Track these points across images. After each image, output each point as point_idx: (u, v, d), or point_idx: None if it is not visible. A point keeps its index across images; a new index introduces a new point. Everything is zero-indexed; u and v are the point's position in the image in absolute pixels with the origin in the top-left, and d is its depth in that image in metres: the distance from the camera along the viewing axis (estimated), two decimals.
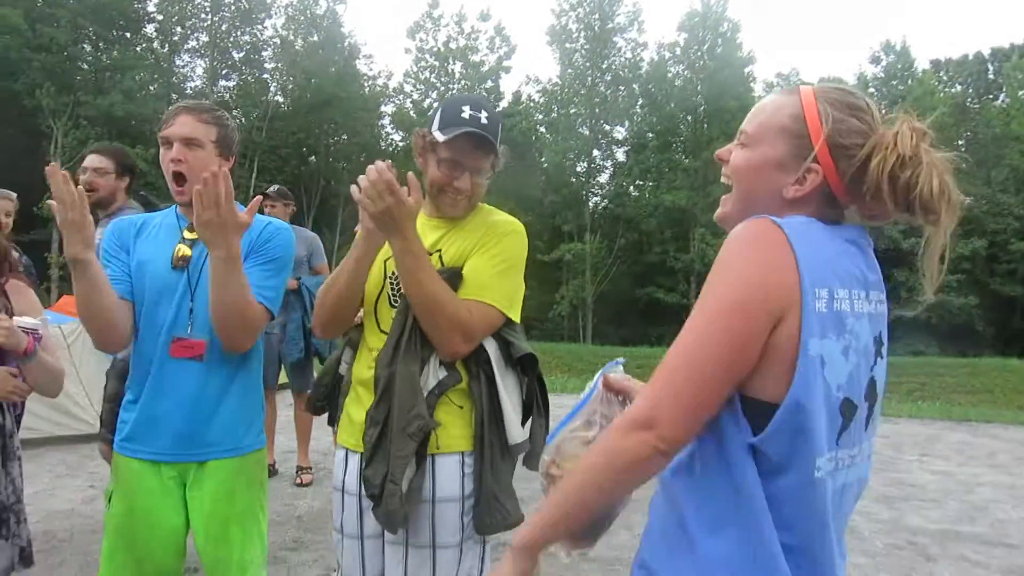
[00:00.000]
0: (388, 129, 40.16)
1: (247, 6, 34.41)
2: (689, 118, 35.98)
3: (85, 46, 31.50)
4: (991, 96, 38.87)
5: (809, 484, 1.11)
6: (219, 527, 2.13)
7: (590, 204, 36.61)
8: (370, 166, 1.78)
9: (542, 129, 37.08)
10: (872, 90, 36.57)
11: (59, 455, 5.83)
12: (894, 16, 76.56)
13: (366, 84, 38.22)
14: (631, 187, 36.78)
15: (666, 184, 34.42)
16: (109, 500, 2.19)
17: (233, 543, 2.15)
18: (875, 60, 38.23)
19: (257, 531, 2.21)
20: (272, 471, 5.40)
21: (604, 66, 36.57)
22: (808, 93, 1.24)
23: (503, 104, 37.84)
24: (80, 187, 1.97)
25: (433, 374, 1.87)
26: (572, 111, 36.45)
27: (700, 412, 1.11)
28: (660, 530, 1.22)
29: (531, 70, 45.08)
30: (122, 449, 2.17)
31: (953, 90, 38.27)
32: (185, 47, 34.91)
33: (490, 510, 1.87)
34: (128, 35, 33.19)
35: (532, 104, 38.36)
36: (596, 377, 1.41)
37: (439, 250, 1.97)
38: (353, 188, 1.79)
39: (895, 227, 1.29)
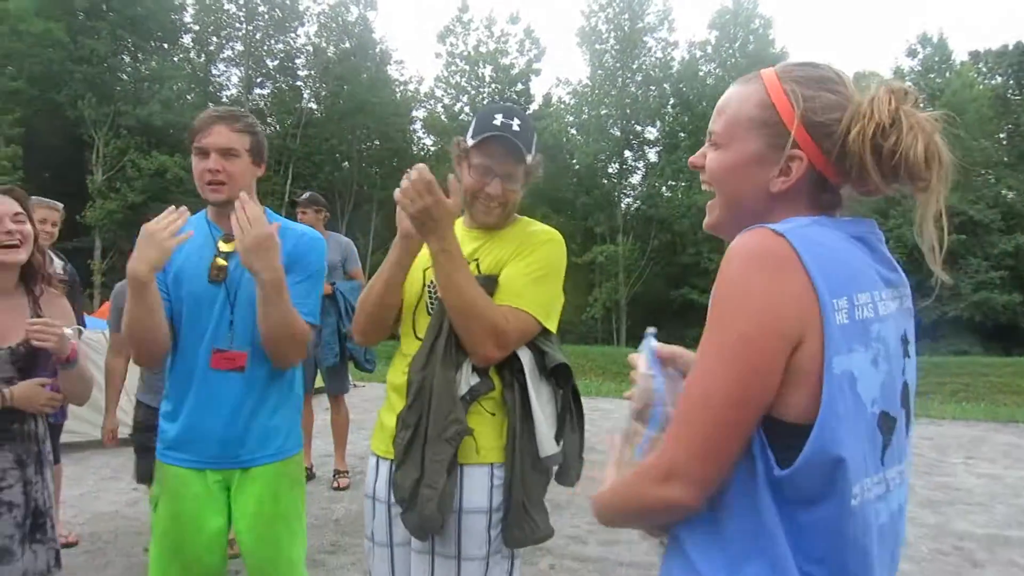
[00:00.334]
0: (420, 134, 40.41)
1: (280, 15, 34.85)
2: None
3: (124, 57, 32.14)
4: None
5: (845, 515, 1.01)
6: (266, 528, 2.20)
7: (622, 205, 36.42)
8: (412, 168, 1.80)
9: (573, 131, 36.96)
10: (909, 84, 35.87)
11: (103, 458, 5.95)
12: (930, 7, 75.01)
13: (397, 89, 38.46)
14: (663, 188, 36.50)
15: (699, 184, 33.95)
16: (156, 505, 2.25)
17: (281, 542, 2.22)
18: (911, 53, 37.53)
19: (300, 530, 2.27)
20: (310, 475, 5.46)
21: (635, 66, 36.39)
22: (771, 76, 1.16)
23: (533, 107, 37.84)
24: (181, 209, 2.06)
25: (465, 380, 1.86)
26: (603, 112, 36.29)
27: (722, 454, 1.04)
28: (679, 567, 1.13)
29: (561, 72, 45.11)
30: (165, 457, 2.23)
31: (993, 82, 37.33)
32: (221, 56, 35.46)
33: (519, 523, 1.84)
34: (166, 46, 33.81)
35: (562, 106, 38.27)
36: (647, 359, 1.31)
37: (476, 259, 1.97)
38: (396, 191, 1.81)
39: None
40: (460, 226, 2.06)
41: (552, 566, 3.76)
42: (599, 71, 36.70)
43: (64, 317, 2.36)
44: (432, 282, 1.94)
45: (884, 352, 1.06)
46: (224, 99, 35.60)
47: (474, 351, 1.84)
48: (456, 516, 1.85)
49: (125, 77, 31.76)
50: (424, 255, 1.93)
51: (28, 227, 2.26)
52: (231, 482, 2.21)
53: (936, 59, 36.76)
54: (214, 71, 35.68)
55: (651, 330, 1.36)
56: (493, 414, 1.89)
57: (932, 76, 36.02)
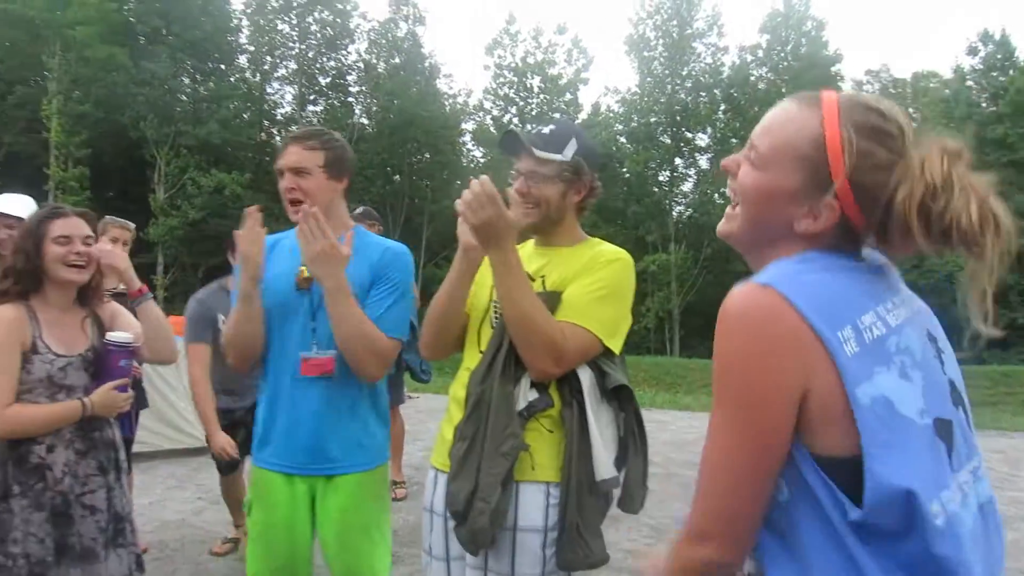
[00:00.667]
0: (469, 146, 40.70)
1: (332, 33, 35.54)
2: None
3: (184, 79, 33.13)
4: None
5: (936, 538, 0.96)
6: (347, 537, 2.25)
7: (673, 214, 36.07)
8: (474, 180, 1.81)
9: (622, 139, 36.79)
10: (970, 83, 34.89)
11: (170, 468, 6.11)
12: (992, 3, 72.77)
13: (447, 103, 38.81)
14: (716, 195, 36.07)
15: None
16: (250, 510, 2.35)
17: (361, 553, 2.27)
18: (972, 51, 36.36)
19: (383, 541, 2.31)
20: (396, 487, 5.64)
21: (684, 72, 36.08)
22: (832, 112, 1.07)
23: (582, 116, 37.77)
24: (261, 229, 2.19)
25: (524, 395, 1.85)
26: (652, 120, 36.05)
27: (747, 511, 1.04)
28: None
29: (609, 81, 44.85)
30: (258, 461, 2.33)
31: None
32: (275, 75, 36.29)
33: (572, 545, 1.81)
34: (223, 67, 34.74)
35: (611, 115, 38.12)
36: None
37: (543, 276, 1.96)
38: (457, 202, 1.82)
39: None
40: (530, 244, 2.09)
41: None
42: (648, 78, 36.48)
43: (122, 318, 2.51)
44: None
45: (911, 361, 1.03)
46: (279, 117, 36.45)
47: (531, 365, 1.84)
48: (511, 533, 1.84)
49: (184, 98, 32.73)
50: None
51: (95, 251, 2.40)
52: (316, 490, 2.27)
53: (999, 56, 35.57)
54: (269, 90, 36.54)
55: None
56: (551, 431, 1.87)
57: (995, 74, 34.89)
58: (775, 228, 1.12)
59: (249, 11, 34.93)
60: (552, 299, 1.89)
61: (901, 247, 1.09)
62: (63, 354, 2.32)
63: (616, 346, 1.92)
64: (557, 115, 33.69)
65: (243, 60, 35.95)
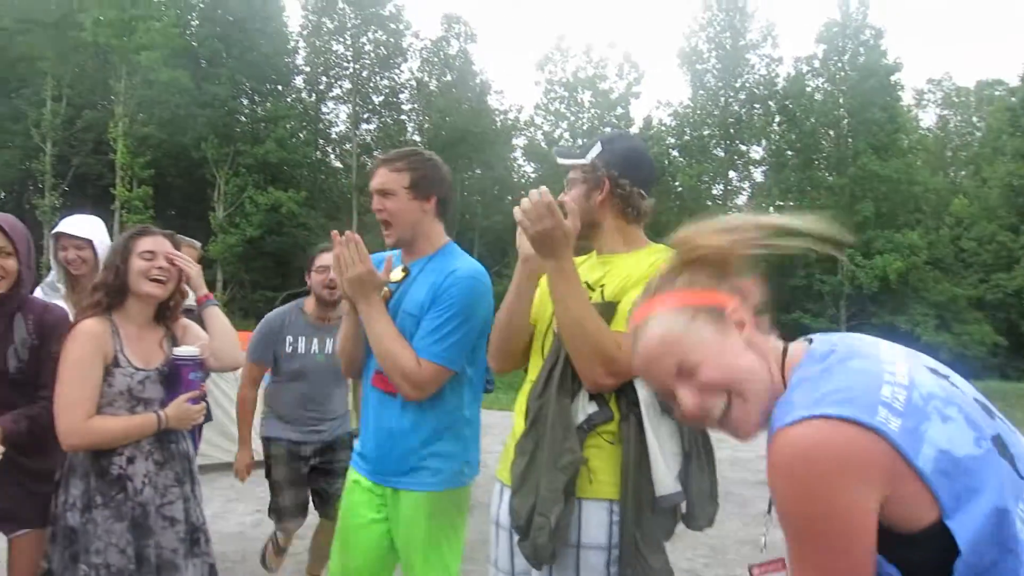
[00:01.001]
0: (520, 161, 40.88)
1: (385, 52, 36.18)
2: (831, 132, 34.42)
3: (243, 100, 34.11)
4: None
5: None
6: (407, 554, 2.30)
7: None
8: (533, 190, 1.82)
9: (674, 153, 36.50)
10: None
11: (229, 480, 6.19)
12: None
13: (498, 119, 39.11)
14: (771, 208, 35.50)
15: (809, 203, 32.94)
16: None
17: (411, 571, 2.30)
18: None
19: (440, 565, 2.29)
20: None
21: (737, 84, 35.69)
22: (654, 304, 1.27)
23: (633, 130, 37.61)
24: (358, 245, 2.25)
25: (583, 408, 1.83)
26: (705, 133, 35.72)
27: None
28: None
29: (661, 94, 44.59)
30: (352, 462, 2.46)
31: None
32: (330, 95, 37.08)
33: (631, 562, 1.77)
34: (280, 87, 35.67)
35: (663, 128, 37.88)
36: None
37: (602, 286, 1.94)
38: (516, 210, 1.83)
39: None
40: (594, 255, 2.08)
41: None
42: (701, 91, 36.20)
43: (192, 330, 2.61)
44: None
45: (941, 402, 1.06)
46: (333, 135, 37.20)
47: (583, 375, 1.81)
48: (575, 551, 1.81)
49: (243, 118, 33.66)
50: None
51: (175, 269, 2.51)
52: (386, 501, 2.34)
53: None
54: (324, 109, 37.35)
55: None
56: (612, 444, 1.83)
57: None
58: (748, 369, 1.20)
59: (305, 33, 35.84)
60: (608, 309, 1.87)
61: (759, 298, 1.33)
62: (142, 368, 2.41)
63: None
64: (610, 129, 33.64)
65: (299, 81, 36.87)
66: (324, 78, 36.54)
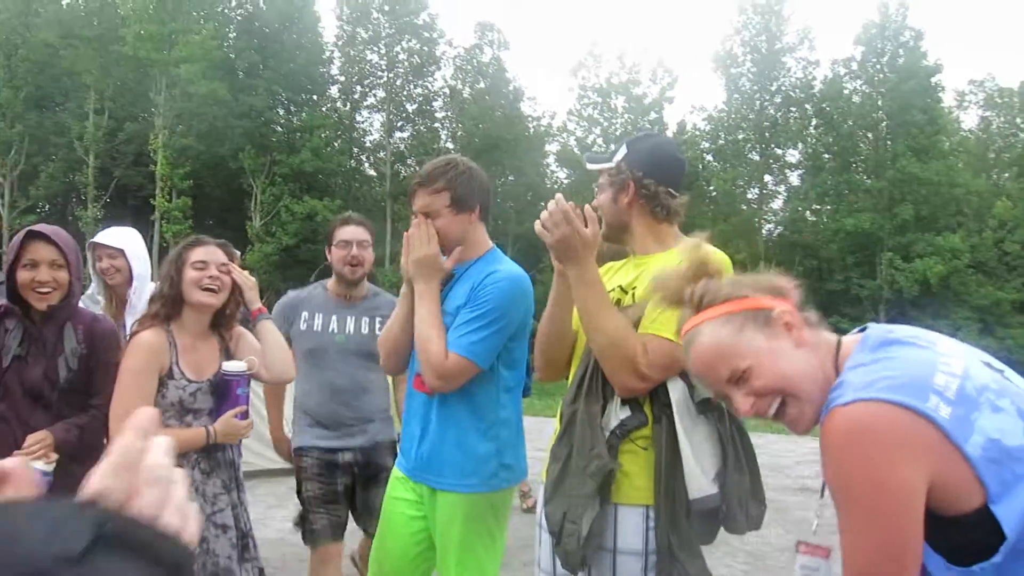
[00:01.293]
0: (553, 167, 40.86)
1: (419, 61, 36.45)
2: (870, 135, 33.88)
3: (279, 110, 34.59)
4: None
5: None
6: (442, 555, 2.33)
7: (763, 232, 35.19)
8: (551, 200, 1.84)
9: (709, 157, 36.19)
10: None
11: (269, 487, 6.29)
12: None
13: (530, 125, 39.14)
14: (807, 212, 35.00)
15: (846, 206, 32.43)
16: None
17: (446, 573, 2.31)
18: None
19: (475, 568, 2.30)
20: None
21: (773, 88, 35.28)
22: (701, 315, 1.34)
23: (667, 135, 37.38)
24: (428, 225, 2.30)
25: (615, 414, 1.81)
26: (740, 137, 35.36)
27: None
28: None
29: (695, 99, 44.37)
30: (397, 460, 2.50)
31: None
32: (364, 104, 37.45)
33: (666, 567, 1.76)
34: (315, 97, 36.11)
35: (697, 133, 37.58)
36: None
37: (634, 288, 1.93)
38: (536, 222, 1.85)
39: None
40: (631, 258, 2.09)
41: None
42: (735, 95, 35.85)
43: (246, 339, 2.67)
44: None
45: (994, 392, 1.11)
46: (367, 144, 37.52)
47: (613, 381, 1.80)
48: (611, 556, 1.80)
49: (279, 128, 34.13)
50: None
51: (229, 279, 2.55)
52: (423, 498, 2.38)
53: None
54: (358, 118, 37.71)
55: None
56: (645, 449, 1.82)
57: None
58: (801, 363, 1.27)
59: (340, 43, 36.24)
60: (637, 311, 1.86)
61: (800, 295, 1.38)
62: (194, 380, 2.46)
63: None
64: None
65: (334, 90, 37.27)
66: (358, 87, 36.90)
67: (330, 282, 3.42)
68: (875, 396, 1.10)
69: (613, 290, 1.98)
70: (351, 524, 3.37)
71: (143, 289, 3.32)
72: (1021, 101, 38.21)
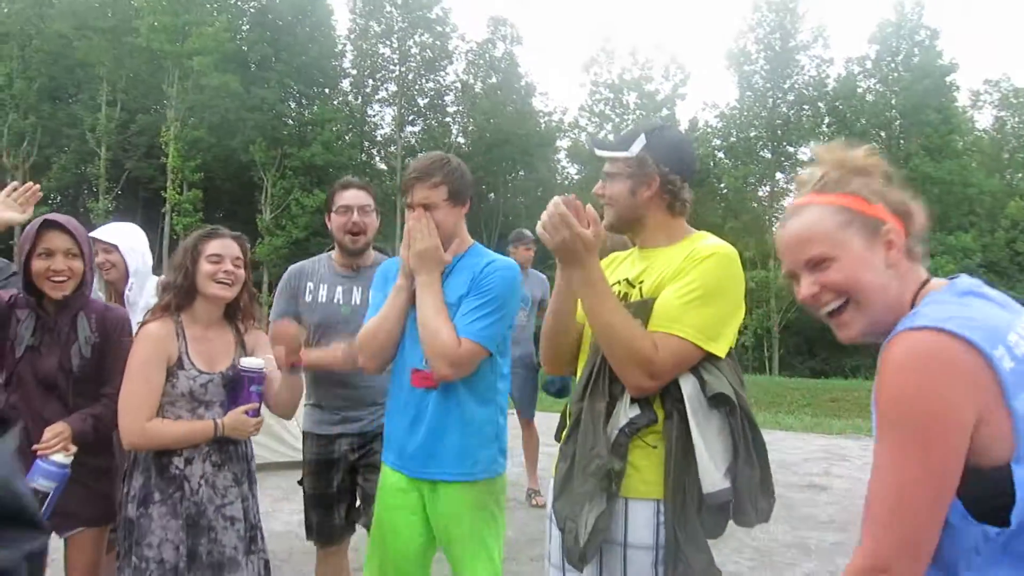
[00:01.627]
0: (564, 163, 40.85)
1: (431, 55, 36.48)
2: (883, 134, 33.70)
3: (291, 103, 34.69)
4: None
5: None
6: (451, 547, 2.35)
7: (773, 229, 35.05)
8: (550, 202, 1.82)
9: (720, 155, 36.09)
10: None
11: (275, 480, 6.29)
12: None
13: (542, 120, 39.14)
14: None
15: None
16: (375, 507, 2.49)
17: (462, 563, 2.34)
18: None
19: (485, 555, 2.34)
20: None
21: (786, 86, 35.14)
22: (819, 197, 1.34)
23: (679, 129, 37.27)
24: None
25: (624, 412, 1.80)
26: (752, 134, 35.23)
27: (929, 544, 1.13)
28: None
29: (707, 96, 44.21)
30: (385, 459, 2.46)
31: None
32: (376, 98, 37.52)
33: (673, 561, 1.76)
34: (327, 91, 36.20)
35: (709, 130, 37.48)
36: None
37: (641, 282, 1.92)
38: (538, 224, 1.84)
39: None
40: (636, 249, 2.07)
41: None
42: (748, 92, 35.72)
43: (262, 349, 2.65)
44: None
45: None
46: (378, 138, 37.58)
47: (625, 381, 1.79)
48: (621, 550, 1.81)
49: (291, 122, 34.25)
50: None
51: (242, 272, 2.55)
52: (424, 495, 2.36)
53: None
54: (369, 112, 37.80)
55: None
56: (655, 447, 1.81)
57: None
58: (879, 282, 1.28)
59: (352, 36, 36.31)
60: (644, 308, 1.84)
61: (923, 229, 1.34)
62: (205, 371, 2.47)
63: (719, 349, 1.81)
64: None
65: (346, 84, 37.35)
66: (370, 81, 36.98)
67: (335, 252, 3.19)
68: (946, 328, 1.12)
69: (619, 283, 1.96)
70: None
71: (143, 285, 3.33)
72: None
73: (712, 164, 34.91)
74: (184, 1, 29.84)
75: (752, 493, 1.80)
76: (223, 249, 2.50)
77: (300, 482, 3.18)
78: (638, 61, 38.22)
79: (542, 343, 2.10)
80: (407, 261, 2.33)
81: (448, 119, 37.94)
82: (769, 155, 35.17)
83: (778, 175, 35.69)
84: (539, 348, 2.18)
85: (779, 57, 34.83)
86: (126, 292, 3.31)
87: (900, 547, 1.12)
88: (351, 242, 3.04)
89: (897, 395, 1.14)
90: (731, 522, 1.87)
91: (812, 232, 1.31)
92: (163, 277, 2.67)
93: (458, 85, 37.58)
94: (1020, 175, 38.44)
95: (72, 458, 2.39)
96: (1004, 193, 35.51)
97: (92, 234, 3.32)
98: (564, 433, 1.91)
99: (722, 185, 34.92)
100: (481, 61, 37.61)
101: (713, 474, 1.75)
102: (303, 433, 3.17)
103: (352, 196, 3.07)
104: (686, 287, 1.81)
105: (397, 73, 36.66)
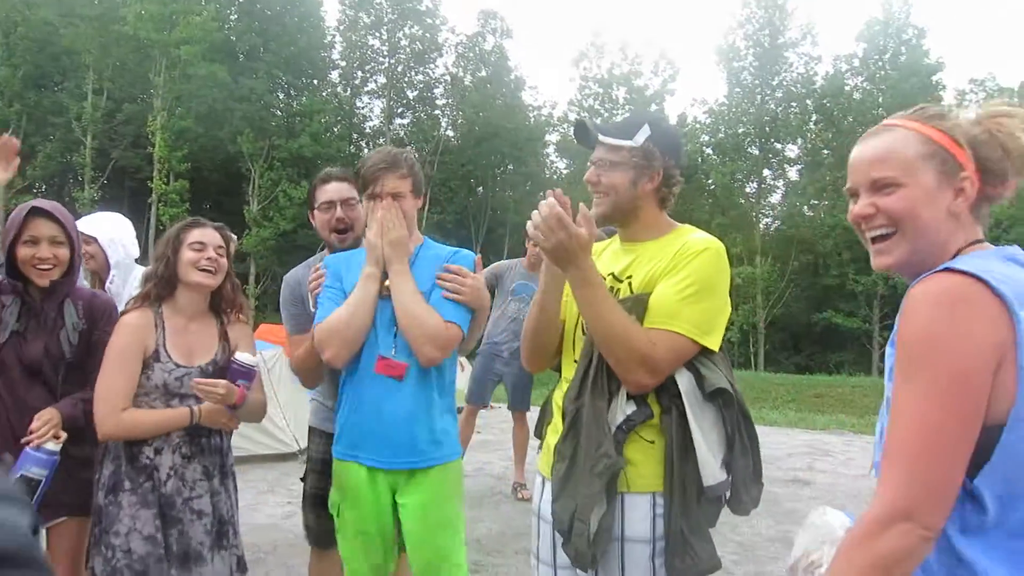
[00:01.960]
0: (553, 157, 40.82)
1: (421, 47, 36.32)
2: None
3: (279, 94, 34.46)
4: None
5: None
6: (429, 533, 2.36)
7: (760, 226, 35.21)
8: (542, 202, 1.79)
9: (708, 151, 36.17)
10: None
11: (261, 472, 6.31)
12: None
13: (531, 114, 39.08)
14: (805, 207, 35.03)
15: (844, 202, 32.31)
16: (338, 511, 2.45)
17: (442, 547, 2.38)
18: None
19: (461, 537, 2.43)
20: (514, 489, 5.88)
21: (775, 82, 35.24)
22: (912, 122, 1.31)
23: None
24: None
25: (621, 409, 1.81)
26: (740, 131, 35.32)
27: (953, 488, 1.11)
28: None
29: (696, 92, 44.26)
30: (343, 455, 2.43)
31: None
32: (365, 89, 37.33)
33: (679, 553, 1.77)
34: (315, 82, 35.98)
35: (698, 126, 37.54)
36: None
37: (629, 276, 1.92)
38: (528, 224, 1.82)
39: None
40: (616, 242, 2.06)
41: None
42: (736, 89, 35.81)
43: (246, 344, 2.62)
44: None
45: None
46: (367, 130, 37.42)
47: (625, 379, 1.79)
48: (618, 544, 1.81)
49: (279, 113, 34.04)
50: None
51: (224, 261, 2.55)
52: (397, 486, 2.38)
53: None
54: (358, 103, 37.61)
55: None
56: (652, 442, 1.82)
57: None
58: (935, 228, 1.26)
59: (342, 27, 36.09)
60: (639, 303, 1.84)
61: (998, 192, 1.30)
62: (182, 364, 2.45)
63: (712, 343, 1.83)
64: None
65: (335, 75, 37.14)
66: (360, 73, 36.78)
67: (326, 251, 3.00)
68: (982, 276, 1.12)
69: (605, 278, 1.94)
70: None
71: (125, 276, 3.32)
72: (1021, 101, 38.20)
73: (700, 160, 34.98)
74: None
75: (746, 482, 1.84)
76: (205, 237, 2.51)
77: (303, 479, 2.99)
78: (628, 56, 38.25)
79: (524, 341, 2.07)
80: (378, 250, 2.38)
81: (437, 112, 37.82)
82: (757, 152, 35.27)
83: (765, 172, 35.85)
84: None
85: (768, 54, 34.91)
86: (107, 284, 3.30)
87: (925, 492, 1.09)
88: (338, 241, 2.84)
89: (925, 332, 1.13)
90: (729, 510, 1.90)
91: (889, 153, 1.29)
92: (148, 268, 2.67)
93: (447, 78, 37.46)
94: None
95: (61, 445, 2.38)
96: None
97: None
98: (560, 432, 1.89)
99: (710, 181, 34.99)
100: (471, 54, 37.49)
101: (712, 467, 1.78)
102: (309, 428, 3.01)
103: (334, 190, 2.85)
104: (682, 282, 1.82)
105: (386, 65, 36.49)
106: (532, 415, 5.82)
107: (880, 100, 33.07)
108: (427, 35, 36.30)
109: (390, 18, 35.75)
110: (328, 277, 2.50)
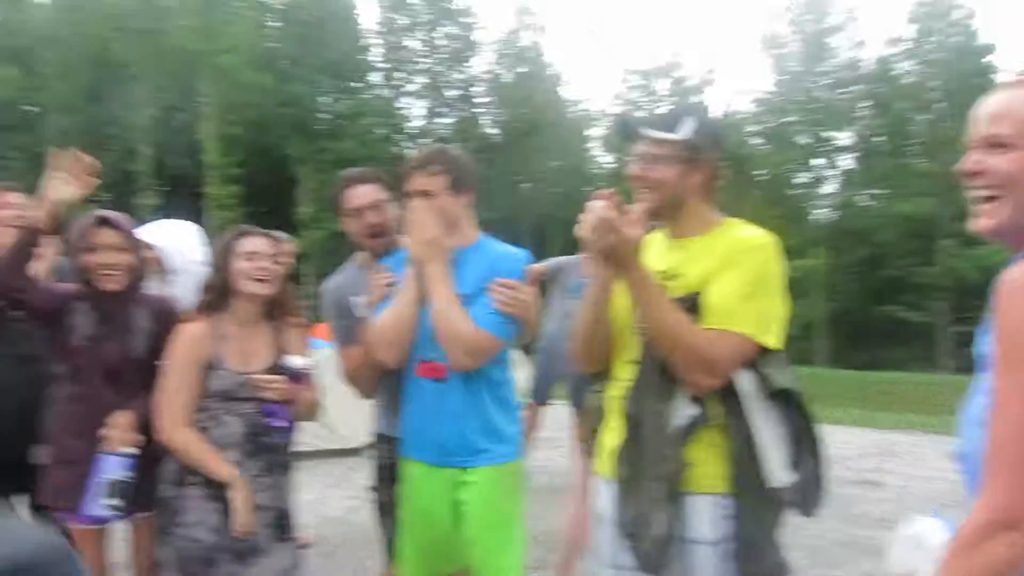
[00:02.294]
0: (596, 152, 40.56)
1: (460, 46, 36.44)
2: (923, 117, 32.86)
3: (324, 98, 34.90)
4: None
5: None
6: (481, 532, 2.34)
7: (813, 217, 34.46)
8: (590, 203, 1.75)
9: (757, 140, 35.50)
10: None
11: (327, 467, 6.42)
12: None
13: (573, 109, 38.89)
14: (860, 197, 34.14)
15: (903, 192, 31.45)
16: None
17: (493, 547, 2.35)
18: None
19: (516, 538, 2.38)
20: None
21: (821, 69, 34.45)
22: None
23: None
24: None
25: (682, 410, 1.79)
26: (788, 119, 34.60)
27: None
28: None
29: (739, 82, 43.50)
30: (404, 452, 2.47)
31: None
32: (405, 90, 37.56)
33: (748, 558, 1.74)
34: (358, 84, 36.35)
35: (743, 116, 36.89)
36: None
37: (681, 275, 1.87)
38: (578, 229, 1.79)
39: None
40: (661, 237, 2.00)
41: None
42: (783, 76, 35.10)
43: (299, 348, 2.68)
44: None
45: None
46: (410, 130, 37.65)
47: (687, 380, 1.77)
48: (683, 546, 1.79)
49: (324, 116, 34.43)
50: None
51: (277, 268, 2.59)
52: (454, 483, 2.37)
53: None
54: (400, 104, 37.83)
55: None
56: (715, 443, 1.79)
57: None
58: None
59: (381, 31, 36.35)
60: (693, 304, 1.81)
61: None
62: (239, 371, 2.52)
63: (772, 341, 1.80)
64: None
65: (376, 78, 37.42)
66: (400, 74, 37.01)
67: (361, 256, 2.88)
68: None
69: None
70: None
71: (190, 281, 3.38)
72: None
73: (748, 151, 34.35)
74: (211, 1, 30.18)
75: (811, 483, 1.80)
76: (257, 247, 2.55)
77: (374, 488, 2.84)
78: (669, 47, 37.81)
79: (575, 341, 2.04)
80: (413, 252, 2.33)
81: (478, 110, 37.89)
82: (806, 140, 34.50)
83: (817, 161, 35.02)
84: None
85: (812, 39, 34.13)
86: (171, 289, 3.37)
87: None
88: (375, 246, 2.75)
89: (1017, 325, 1.05)
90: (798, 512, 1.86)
91: (1010, 110, 1.20)
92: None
93: (487, 76, 37.48)
94: None
95: (140, 445, 2.48)
96: None
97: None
98: (621, 435, 1.87)
99: (760, 172, 34.30)
100: (508, 51, 37.48)
101: (778, 468, 1.75)
102: (377, 435, 2.84)
103: (362, 195, 2.74)
104: (737, 281, 1.78)
105: (426, 66, 36.65)
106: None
107: (933, 84, 32.11)
108: (463, 34, 36.38)
109: (426, 18, 35.92)
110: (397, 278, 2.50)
